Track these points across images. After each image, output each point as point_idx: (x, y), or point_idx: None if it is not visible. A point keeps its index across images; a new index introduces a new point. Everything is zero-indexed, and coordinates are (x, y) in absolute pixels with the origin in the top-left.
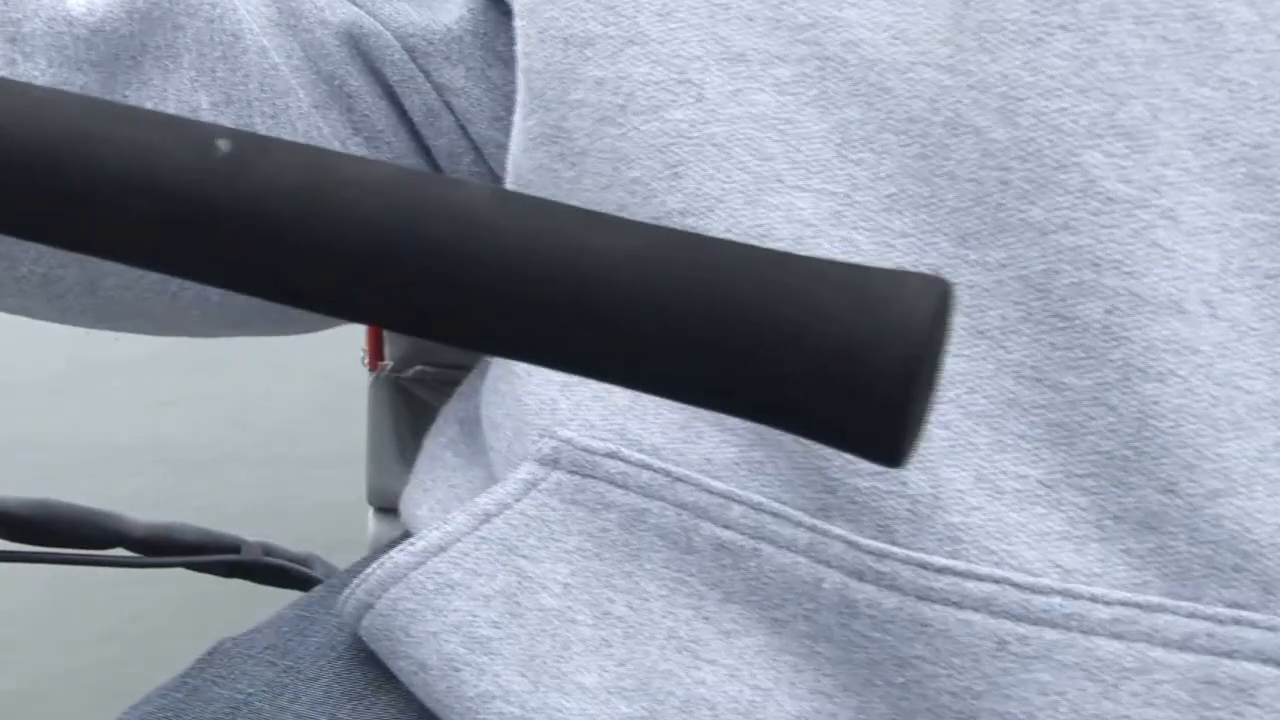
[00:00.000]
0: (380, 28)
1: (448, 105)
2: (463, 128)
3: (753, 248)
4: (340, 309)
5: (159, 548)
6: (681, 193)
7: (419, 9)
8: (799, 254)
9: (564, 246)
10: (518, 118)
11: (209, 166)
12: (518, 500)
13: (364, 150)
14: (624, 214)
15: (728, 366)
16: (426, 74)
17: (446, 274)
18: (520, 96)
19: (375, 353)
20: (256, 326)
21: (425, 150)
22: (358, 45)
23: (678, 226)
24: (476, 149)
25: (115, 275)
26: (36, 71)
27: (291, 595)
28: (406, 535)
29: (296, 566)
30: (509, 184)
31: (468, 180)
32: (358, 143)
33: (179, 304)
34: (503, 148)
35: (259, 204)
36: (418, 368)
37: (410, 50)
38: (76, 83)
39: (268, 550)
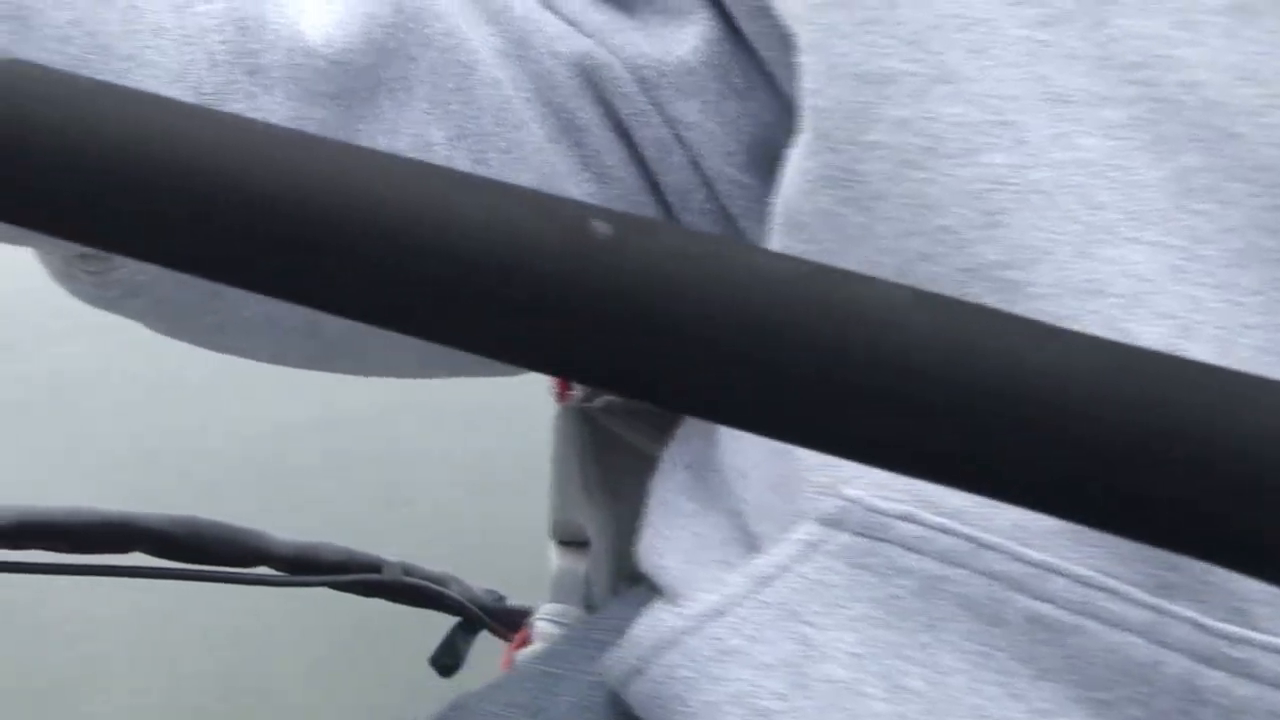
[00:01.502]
0: (612, 59)
1: (680, 139)
2: (694, 163)
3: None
4: (731, 415)
5: (302, 566)
6: (1000, 243)
7: (650, 39)
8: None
9: (1001, 358)
10: (796, 157)
11: (586, 251)
12: (798, 563)
13: (593, 186)
14: (927, 264)
15: (1197, 506)
16: (659, 107)
17: (862, 383)
18: (802, 136)
19: (564, 382)
20: (472, 371)
21: (655, 187)
22: (589, 77)
23: (995, 278)
24: (708, 185)
25: (340, 320)
26: (275, 104)
27: (428, 615)
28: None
29: (434, 587)
30: (778, 227)
31: (878, 279)
32: (587, 178)
33: (401, 350)
34: (736, 184)
35: (641, 295)
36: (607, 397)
37: (642, 82)
38: (315, 117)
39: (407, 570)
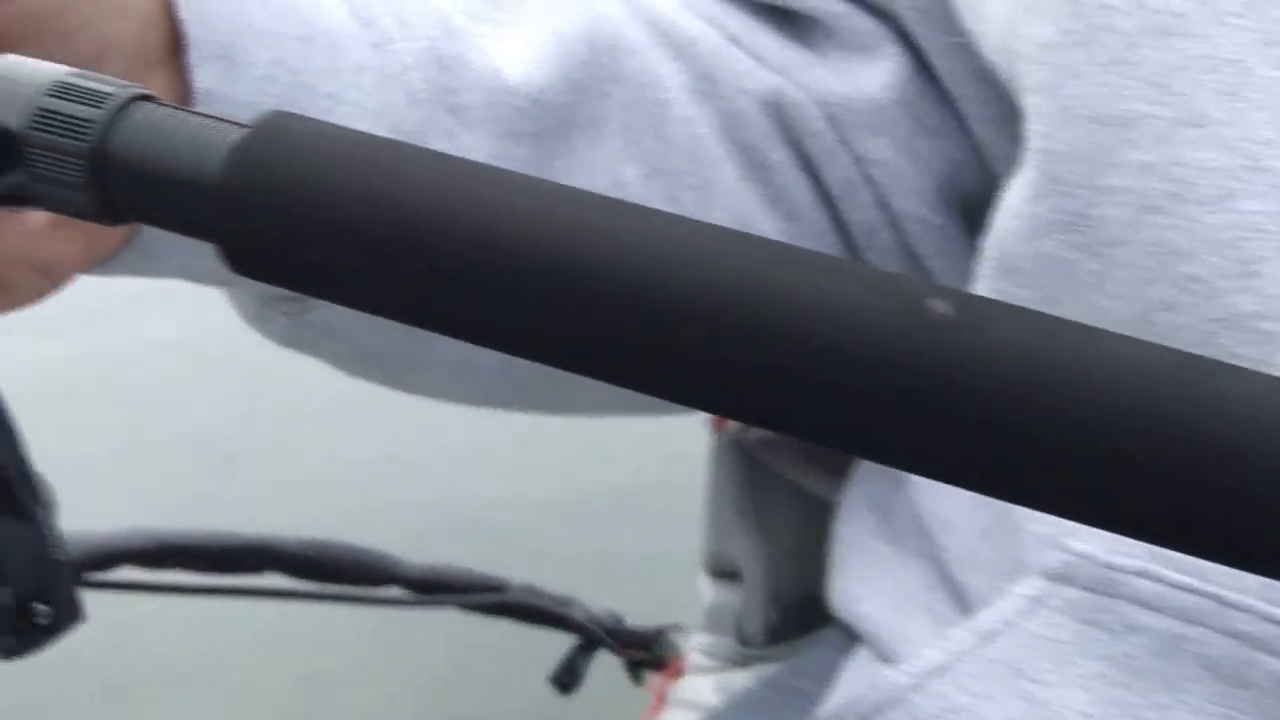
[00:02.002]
0: (802, 96)
1: (868, 178)
2: (882, 202)
3: None
4: (1100, 516)
5: (430, 587)
6: (1258, 294)
7: (839, 76)
8: None
9: None
10: (1016, 200)
11: (925, 334)
12: (1024, 618)
13: (781, 225)
14: (1171, 313)
15: None
16: (848, 144)
17: (1229, 482)
18: (1027, 177)
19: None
20: (664, 409)
21: (842, 226)
22: (779, 115)
23: (1251, 330)
24: (895, 224)
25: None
26: (475, 143)
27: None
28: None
29: (558, 608)
30: (990, 270)
31: (1245, 370)
32: (775, 218)
33: (595, 390)
34: (924, 223)
35: (983, 382)
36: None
37: (831, 119)
38: (515, 156)
39: (531, 591)
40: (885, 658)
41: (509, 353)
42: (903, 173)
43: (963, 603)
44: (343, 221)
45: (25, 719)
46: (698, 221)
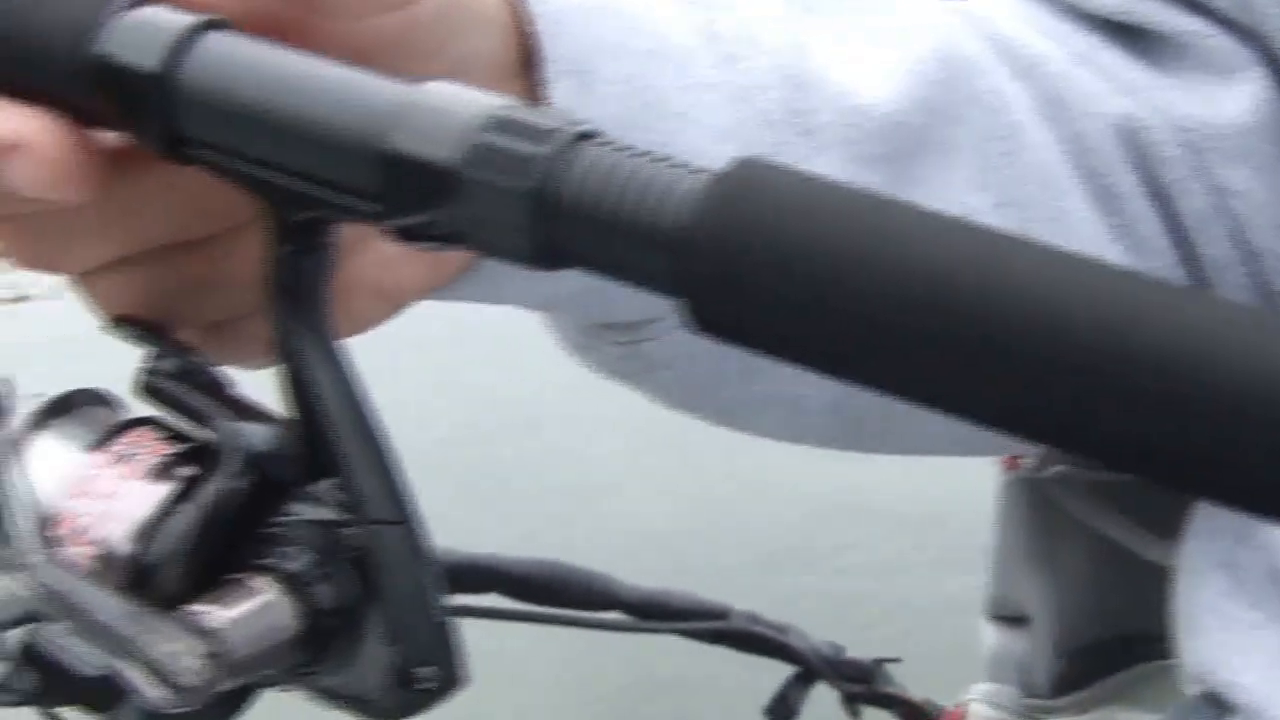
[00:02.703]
0: (1156, 119)
1: (1225, 209)
2: (1238, 236)
3: None
4: None
5: (651, 612)
6: None
7: (1196, 99)
8: None
9: None
10: None
11: None
12: None
13: (1128, 259)
14: None
15: None
16: (1204, 172)
17: None
18: None
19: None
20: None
21: (1192, 260)
22: (1130, 140)
23: None
24: (1253, 258)
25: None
26: (826, 167)
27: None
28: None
29: (778, 637)
30: None
31: None
32: (1119, 251)
33: (936, 427)
34: None
35: None
36: (1059, 467)
37: (1188, 146)
38: (866, 181)
39: (753, 619)
40: None
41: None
42: (1263, 205)
43: None
44: (832, 282)
45: None
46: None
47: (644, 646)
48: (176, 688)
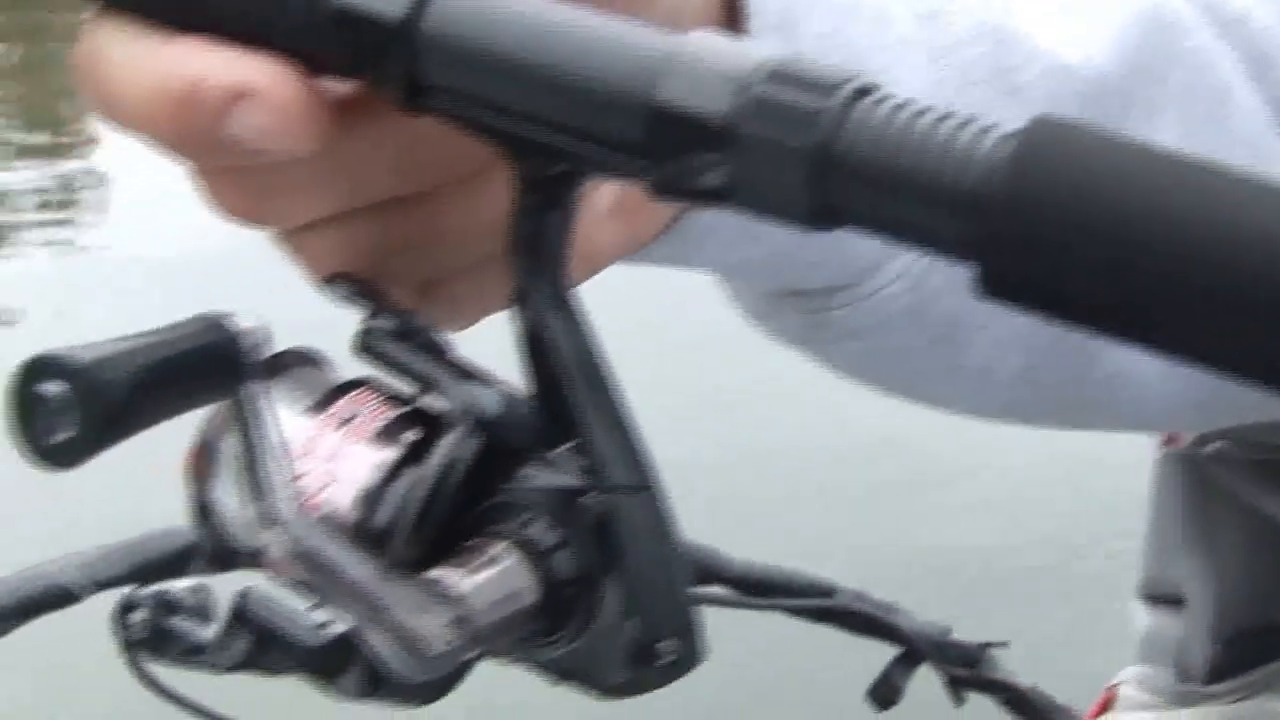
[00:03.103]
0: None
1: None
2: None
3: None
4: None
5: (755, 587)
6: None
7: None
8: None
9: None
10: None
11: None
12: None
13: None
14: None
15: None
16: None
17: None
18: None
19: None
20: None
21: None
22: None
23: None
24: None
25: (1069, 369)
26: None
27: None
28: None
29: (884, 616)
30: None
31: None
32: None
33: (1141, 400)
34: None
35: None
36: (1218, 444)
37: None
38: None
39: (859, 597)
40: None
41: None
42: None
43: None
44: (1144, 245)
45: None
46: None
47: (745, 623)
48: (423, 656)
